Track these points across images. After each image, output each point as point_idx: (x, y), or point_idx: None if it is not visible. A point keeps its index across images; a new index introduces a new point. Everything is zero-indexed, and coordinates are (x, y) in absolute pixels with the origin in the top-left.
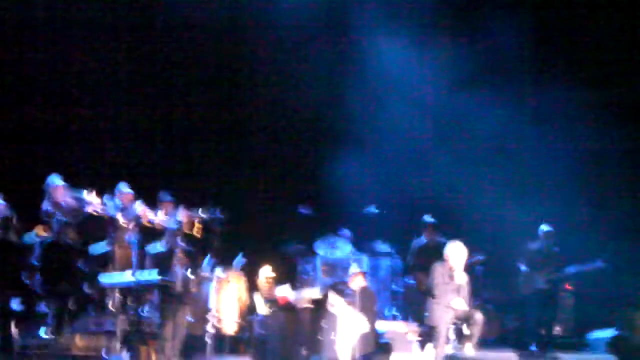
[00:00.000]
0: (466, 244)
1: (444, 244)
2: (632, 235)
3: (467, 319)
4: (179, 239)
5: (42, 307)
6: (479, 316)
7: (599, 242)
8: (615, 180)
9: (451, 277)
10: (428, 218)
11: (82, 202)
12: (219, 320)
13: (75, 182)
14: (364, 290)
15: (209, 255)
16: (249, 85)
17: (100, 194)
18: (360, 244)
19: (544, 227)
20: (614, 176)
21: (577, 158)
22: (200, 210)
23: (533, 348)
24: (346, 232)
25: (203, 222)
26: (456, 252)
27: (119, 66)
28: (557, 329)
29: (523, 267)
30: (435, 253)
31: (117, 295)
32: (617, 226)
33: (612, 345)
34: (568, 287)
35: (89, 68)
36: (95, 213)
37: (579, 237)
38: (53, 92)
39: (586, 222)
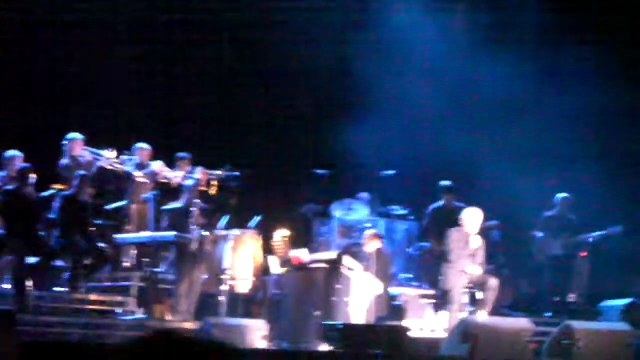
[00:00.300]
0: (482, 209)
1: (460, 209)
2: None
3: (481, 284)
4: (195, 197)
5: (58, 262)
6: (493, 282)
7: (616, 209)
8: (632, 146)
9: (466, 242)
10: (445, 182)
11: (98, 156)
12: (233, 280)
13: (94, 140)
14: (379, 253)
15: (225, 214)
16: (264, 50)
17: (119, 152)
18: (377, 206)
19: (561, 194)
20: (631, 142)
21: (594, 124)
22: (218, 169)
23: (547, 314)
24: (363, 194)
25: (220, 180)
26: (472, 218)
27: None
28: (571, 296)
29: (539, 234)
30: (450, 217)
31: (133, 251)
32: (634, 194)
33: (626, 313)
34: (582, 254)
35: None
36: (110, 167)
37: (596, 204)
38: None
39: (603, 189)
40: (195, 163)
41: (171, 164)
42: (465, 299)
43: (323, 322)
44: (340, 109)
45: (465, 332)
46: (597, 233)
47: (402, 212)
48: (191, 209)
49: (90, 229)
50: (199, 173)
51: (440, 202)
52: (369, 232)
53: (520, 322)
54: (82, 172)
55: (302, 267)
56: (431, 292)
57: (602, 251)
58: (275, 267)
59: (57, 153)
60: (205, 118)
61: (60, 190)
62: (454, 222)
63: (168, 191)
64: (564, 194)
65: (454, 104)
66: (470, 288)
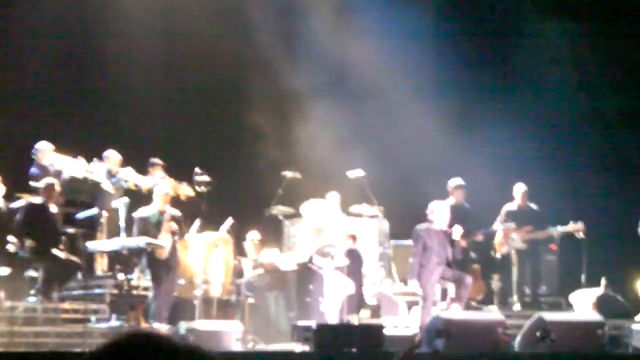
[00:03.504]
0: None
1: (468, 209)
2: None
3: (456, 281)
4: (166, 204)
5: (31, 272)
6: (468, 280)
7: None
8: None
9: (436, 237)
10: (457, 180)
11: (67, 164)
12: (207, 284)
13: (66, 149)
14: (351, 252)
15: (196, 219)
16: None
17: (89, 159)
18: (347, 206)
19: (520, 186)
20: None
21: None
22: (188, 175)
23: (517, 307)
24: (333, 194)
25: (190, 192)
26: (439, 212)
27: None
28: (542, 288)
29: (500, 227)
30: (460, 217)
31: (105, 259)
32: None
33: (597, 304)
34: (553, 247)
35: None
36: (79, 176)
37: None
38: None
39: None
40: (165, 168)
41: (142, 169)
42: (438, 294)
43: (297, 323)
44: (309, 108)
45: (439, 327)
46: (560, 228)
47: (372, 211)
48: (163, 215)
49: (61, 237)
50: (169, 186)
51: (451, 200)
52: (342, 232)
53: (493, 316)
54: (49, 180)
55: (275, 269)
56: (404, 289)
57: (570, 243)
58: (248, 269)
59: (26, 162)
60: (174, 122)
61: (30, 199)
62: (463, 221)
63: (139, 198)
64: (522, 185)
65: (423, 102)
66: (442, 284)
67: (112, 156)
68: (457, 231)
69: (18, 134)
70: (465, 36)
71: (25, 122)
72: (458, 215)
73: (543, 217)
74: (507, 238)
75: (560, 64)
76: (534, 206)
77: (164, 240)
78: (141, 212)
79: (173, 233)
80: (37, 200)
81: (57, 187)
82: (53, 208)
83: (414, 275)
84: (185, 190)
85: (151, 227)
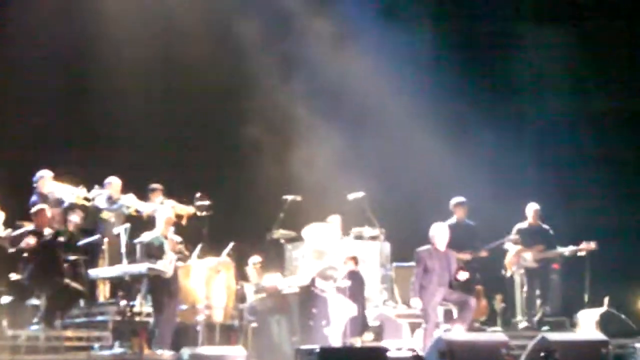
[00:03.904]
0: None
1: (472, 226)
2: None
3: (460, 303)
4: (168, 228)
5: (33, 300)
6: (472, 302)
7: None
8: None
9: (437, 259)
10: (458, 198)
11: (67, 192)
12: (209, 309)
13: (66, 177)
14: (353, 274)
15: (198, 244)
16: (245, 84)
17: (89, 186)
18: (349, 228)
19: (532, 205)
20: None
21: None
22: (189, 199)
23: (522, 326)
24: (335, 217)
25: (192, 210)
26: (440, 234)
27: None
28: (546, 308)
29: (511, 246)
30: (464, 234)
31: (107, 286)
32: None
33: (600, 323)
34: (556, 266)
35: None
36: (79, 203)
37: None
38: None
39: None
40: (165, 193)
41: (143, 194)
42: (440, 316)
43: (300, 347)
44: (304, 133)
45: (442, 349)
46: (572, 247)
47: (374, 232)
48: (164, 240)
49: (63, 264)
50: (170, 208)
51: (453, 219)
52: (343, 254)
53: (496, 336)
54: (39, 206)
55: (277, 293)
56: (406, 311)
57: (576, 263)
58: (250, 294)
59: (28, 190)
60: (173, 147)
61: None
62: (467, 239)
63: (141, 224)
64: (534, 205)
65: (422, 122)
66: (445, 305)
67: (114, 182)
68: (463, 276)
69: (19, 162)
70: (463, 57)
71: (26, 150)
72: (460, 233)
73: (553, 237)
74: (518, 257)
75: (560, 85)
76: (545, 226)
77: (170, 259)
78: (144, 237)
79: (178, 252)
80: (31, 227)
81: (48, 213)
82: (52, 235)
83: (415, 293)
84: (186, 210)
85: (155, 252)
